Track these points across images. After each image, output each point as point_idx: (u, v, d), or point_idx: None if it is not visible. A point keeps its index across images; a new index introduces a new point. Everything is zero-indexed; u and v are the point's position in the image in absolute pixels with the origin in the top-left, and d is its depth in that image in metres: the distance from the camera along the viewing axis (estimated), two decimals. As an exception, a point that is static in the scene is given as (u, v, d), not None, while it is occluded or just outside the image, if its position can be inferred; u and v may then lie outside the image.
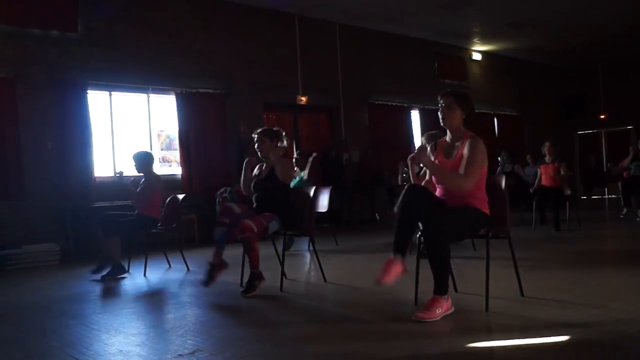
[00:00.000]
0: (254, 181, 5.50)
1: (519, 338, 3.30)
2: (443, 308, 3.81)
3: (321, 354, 3.23)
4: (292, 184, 7.94)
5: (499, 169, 11.33)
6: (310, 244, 6.53)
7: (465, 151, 4.01)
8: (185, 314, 4.49)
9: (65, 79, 8.94)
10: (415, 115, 14.51)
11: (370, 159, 13.11)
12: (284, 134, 5.57)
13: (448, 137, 4.22)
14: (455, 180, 3.96)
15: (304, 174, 8.53)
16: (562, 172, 9.24)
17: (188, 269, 6.75)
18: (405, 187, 4.01)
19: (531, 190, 9.56)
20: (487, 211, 4.04)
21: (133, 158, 6.85)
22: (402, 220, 3.91)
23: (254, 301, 4.82)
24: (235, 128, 10.71)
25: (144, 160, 6.85)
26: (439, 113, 4.16)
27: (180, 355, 3.29)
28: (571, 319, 3.65)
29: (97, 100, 9.62)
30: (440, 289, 3.81)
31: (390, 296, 4.53)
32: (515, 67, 17.14)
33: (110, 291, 5.76)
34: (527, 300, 4.20)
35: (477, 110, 12.67)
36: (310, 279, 6.11)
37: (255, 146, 5.47)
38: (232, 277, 5.77)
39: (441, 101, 4.14)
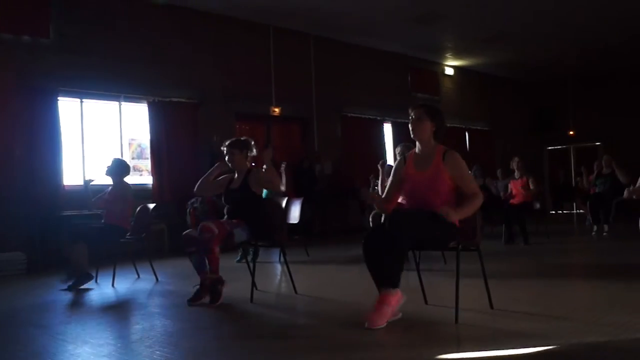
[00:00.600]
0: (224, 192, 5.47)
1: (488, 349, 3.33)
2: (392, 303, 3.82)
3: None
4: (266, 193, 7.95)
5: None
6: (282, 255, 6.52)
7: (449, 171, 4.08)
8: (153, 325, 4.44)
9: (35, 85, 8.81)
10: (387, 129, 14.60)
11: (342, 172, 13.17)
12: (252, 142, 5.58)
13: (417, 149, 4.26)
14: (475, 206, 4.06)
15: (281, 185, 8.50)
16: (531, 187, 9.40)
17: (157, 279, 6.68)
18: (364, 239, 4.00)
19: (502, 197, 9.66)
20: (456, 224, 4.08)
21: (112, 161, 6.82)
22: (370, 267, 3.94)
23: (224, 312, 4.79)
24: (208, 138, 10.66)
25: (120, 168, 6.81)
26: (409, 125, 4.20)
27: (147, 366, 3.26)
28: (539, 330, 3.70)
29: (68, 108, 9.50)
30: (390, 282, 3.84)
31: (361, 307, 4.51)
32: (486, 82, 17.36)
33: (78, 301, 5.68)
34: (497, 313, 4.24)
35: (448, 125, 12.84)
36: (281, 290, 6.09)
37: (226, 159, 5.46)
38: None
39: (412, 113, 4.19)
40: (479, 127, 17.19)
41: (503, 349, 3.31)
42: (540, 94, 18.70)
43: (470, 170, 11.51)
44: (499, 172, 12.34)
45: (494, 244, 8.98)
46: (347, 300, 5.12)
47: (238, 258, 7.88)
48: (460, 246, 4.14)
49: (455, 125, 16.01)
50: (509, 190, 9.76)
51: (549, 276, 6.22)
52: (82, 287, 6.31)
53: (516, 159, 9.69)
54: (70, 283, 6.28)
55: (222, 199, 5.49)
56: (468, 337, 3.73)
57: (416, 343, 3.60)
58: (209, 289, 5.04)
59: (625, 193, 6.03)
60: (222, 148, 5.51)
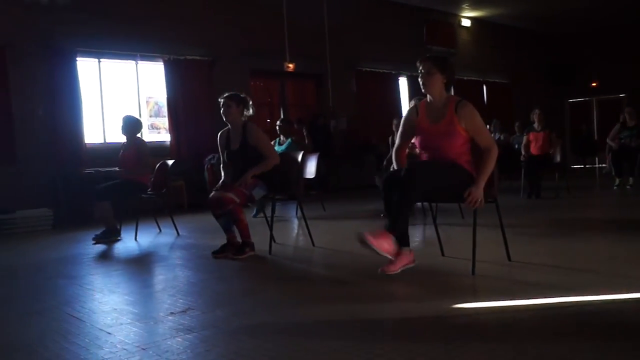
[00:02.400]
0: (226, 153, 5.42)
1: (504, 300, 3.34)
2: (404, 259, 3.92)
3: (309, 314, 3.36)
4: (280, 150, 8.06)
5: None
6: (299, 208, 6.64)
7: (462, 122, 3.98)
8: (176, 275, 4.63)
9: (55, 46, 8.97)
10: (403, 82, 14.58)
11: (357, 127, 13.23)
12: (250, 102, 5.47)
13: (429, 99, 4.18)
14: (492, 161, 3.97)
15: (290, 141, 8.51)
16: (552, 140, 9.26)
17: (178, 233, 6.89)
18: (382, 181, 3.99)
19: (522, 159, 9.49)
20: (473, 173, 4.04)
21: (122, 119, 6.93)
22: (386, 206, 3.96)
23: (243, 264, 4.96)
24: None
25: (132, 125, 6.92)
26: (419, 79, 4.13)
27: (172, 313, 3.42)
28: (557, 282, 3.67)
29: (87, 68, 9.64)
30: (391, 227, 3.82)
31: (378, 260, 4.57)
32: (505, 33, 17.14)
33: (103, 254, 5.90)
34: (514, 265, 4.23)
35: (466, 78, 12.82)
36: (298, 243, 6.21)
37: (221, 111, 5.35)
38: (221, 242, 5.90)
39: (420, 67, 4.12)
40: (497, 80, 17.06)
41: (519, 299, 3.31)
42: (561, 45, 18.38)
43: (489, 125, 11.54)
44: (516, 126, 12.28)
45: (512, 198, 8.95)
46: (364, 253, 5.14)
47: (254, 213, 8.04)
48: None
49: (472, 78, 15.93)
50: (525, 143, 9.58)
51: (568, 229, 6.14)
52: (110, 240, 6.57)
53: (537, 110, 9.52)
54: (97, 234, 6.58)
55: (226, 158, 5.45)
56: (484, 288, 3.75)
57: (432, 294, 3.62)
58: (238, 246, 5.21)
59: None
60: (219, 99, 5.39)
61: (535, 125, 9.52)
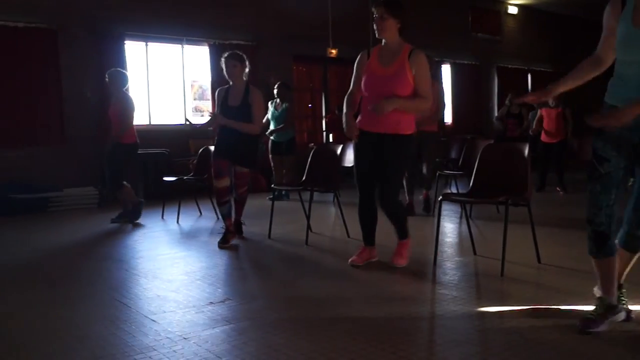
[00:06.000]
0: (221, 106, 5.59)
1: (530, 304, 3.41)
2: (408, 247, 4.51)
3: (340, 310, 3.51)
4: (275, 115, 8.38)
5: (501, 109, 11.01)
6: (336, 201, 6.73)
7: (413, 68, 4.10)
8: (216, 263, 4.81)
9: (103, 30, 9.21)
10: (446, 70, 14.50)
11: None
12: (245, 58, 5.59)
13: (383, 43, 4.25)
14: (417, 105, 4.15)
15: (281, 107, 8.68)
16: (567, 119, 8.80)
17: (218, 217, 7.06)
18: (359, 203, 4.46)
19: (530, 132, 9.18)
20: (412, 131, 4.27)
21: (107, 74, 6.92)
22: (361, 220, 4.58)
23: (281, 254, 5.15)
24: (266, 80, 10.88)
25: (116, 78, 6.85)
26: (373, 25, 4.18)
27: (211, 302, 3.62)
28: (585, 288, 3.48)
29: (134, 51, 9.88)
30: (402, 235, 4.50)
31: (412, 257, 4.62)
32: (551, 21, 16.83)
33: (146, 236, 6.15)
34: (543, 268, 4.26)
35: (510, 66, 12.45)
36: (334, 234, 6.28)
37: (226, 71, 5.49)
38: (259, 229, 6.08)
39: (375, 13, 4.15)
40: (542, 69, 16.81)
41: (545, 305, 3.39)
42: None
43: (507, 99, 11.14)
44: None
45: (548, 194, 8.86)
46: (394, 246, 5.28)
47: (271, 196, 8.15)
48: (509, 200, 4.04)
49: (517, 66, 15.74)
50: (538, 117, 9.04)
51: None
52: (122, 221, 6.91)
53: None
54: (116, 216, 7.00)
55: (221, 112, 5.57)
56: (512, 290, 3.77)
57: (460, 296, 3.66)
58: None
59: None
60: (222, 58, 5.55)
61: (550, 101, 8.78)
